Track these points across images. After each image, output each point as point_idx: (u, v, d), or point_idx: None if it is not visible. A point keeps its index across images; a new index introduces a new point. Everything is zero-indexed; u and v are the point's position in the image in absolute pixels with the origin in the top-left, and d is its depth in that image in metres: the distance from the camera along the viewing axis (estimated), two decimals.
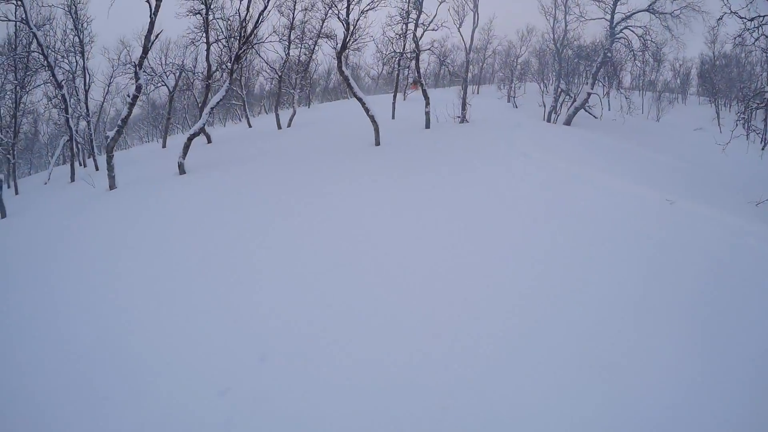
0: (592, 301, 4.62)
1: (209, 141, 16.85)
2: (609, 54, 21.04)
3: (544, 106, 23.44)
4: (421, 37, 15.90)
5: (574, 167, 9.27)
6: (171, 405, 3.81)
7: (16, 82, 20.36)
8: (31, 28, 16.21)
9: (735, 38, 10.63)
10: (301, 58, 22.41)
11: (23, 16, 16.11)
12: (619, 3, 20.54)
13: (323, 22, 19.74)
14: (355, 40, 15.80)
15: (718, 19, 10.26)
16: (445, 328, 4.34)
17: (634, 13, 20.59)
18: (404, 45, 17.46)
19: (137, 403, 3.87)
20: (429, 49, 18.46)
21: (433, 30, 16.38)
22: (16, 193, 19.06)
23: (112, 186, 11.39)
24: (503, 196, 7.43)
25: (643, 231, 6.05)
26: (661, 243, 5.72)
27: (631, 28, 20.79)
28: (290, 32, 20.15)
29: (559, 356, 3.91)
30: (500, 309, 4.55)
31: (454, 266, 5.41)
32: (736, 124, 10.53)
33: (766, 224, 7.26)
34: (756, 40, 10.09)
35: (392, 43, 18.52)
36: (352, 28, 12.72)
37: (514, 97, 30.14)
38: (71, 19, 20.08)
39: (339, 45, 13.11)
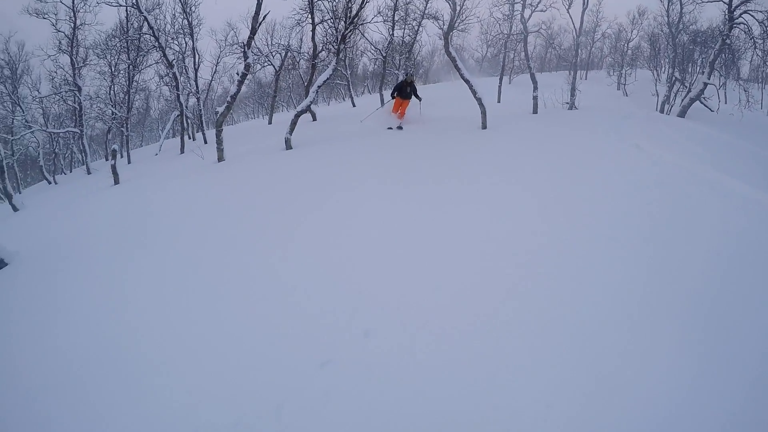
0: (713, 319, 4.09)
1: (314, 119, 17.10)
2: (728, 41, 19.39)
3: (657, 96, 22.01)
4: (528, 19, 15.33)
5: (689, 164, 8.50)
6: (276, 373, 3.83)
7: (129, 62, 21.71)
8: (142, 12, 17.16)
9: None
10: (405, 39, 22.26)
11: (134, 1, 17.05)
12: None
13: (427, 2, 19.52)
14: (462, 20, 15.43)
15: None
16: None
17: None
18: (511, 27, 17.00)
19: (245, 366, 3.94)
20: (537, 31, 17.80)
21: (541, 11, 15.77)
22: (129, 162, 20.32)
23: (220, 158, 11.75)
24: (614, 190, 6.88)
25: (761, 240, 5.41)
26: None
27: (751, 12, 19.05)
28: (394, 13, 20.07)
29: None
30: (613, 320, 4.13)
31: (560, 263, 4.98)
32: None
33: None
34: None
35: (499, 25, 18.08)
36: (459, 7, 12.38)
37: (624, 85, 28.58)
38: (180, 3, 21.08)
39: (446, 25, 12.82)
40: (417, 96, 13.31)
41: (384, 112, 14.50)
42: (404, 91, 13.20)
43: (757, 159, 11.89)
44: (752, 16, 18.93)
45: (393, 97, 13.63)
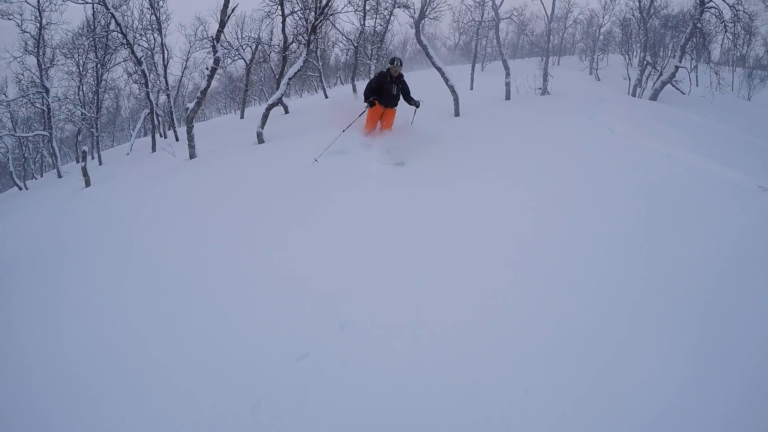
0: (686, 297, 4.13)
1: (286, 111, 16.90)
2: (699, 24, 19.57)
3: (629, 80, 22.18)
4: (500, 5, 15.30)
5: (662, 146, 8.59)
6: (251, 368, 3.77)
7: (96, 60, 21.34)
8: (109, 9, 16.80)
9: None
10: (376, 29, 22.00)
11: None
12: None
13: None
14: (433, 8, 15.34)
15: None
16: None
17: None
18: (482, 13, 16.98)
19: (221, 364, 3.86)
20: (509, 18, 17.78)
21: None
22: (100, 163, 19.95)
23: (192, 155, 11.56)
24: (588, 175, 6.85)
25: (734, 218, 5.42)
26: (754, 233, 5.08)
27: None
28: (365, 2, 19.85)
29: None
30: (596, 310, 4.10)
31: (542, 255, 4.91)
32: None
33: None
34: None
35: (470, 12, 18.06)
36: None
37: (596, 69, 28.79)
38: None
39: (417, 14, 12.73)
40: (410, 99, 9.09)
41: (355, 130, 8.83)
42: (388, 93, 8.71)
43: (727, 139, 12.06)
44: (723, 0, 19.12)
45: (371, 104, 8.72)
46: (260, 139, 11.42)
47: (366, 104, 8.76)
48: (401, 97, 8.99)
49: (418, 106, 9.18)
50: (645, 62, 21.47)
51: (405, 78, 9.02)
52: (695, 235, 5.06)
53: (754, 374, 3.39)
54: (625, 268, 4.55)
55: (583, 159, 7.48)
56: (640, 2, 21.93)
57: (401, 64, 8.88)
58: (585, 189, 6.31)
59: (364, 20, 20.20)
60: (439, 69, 11.93)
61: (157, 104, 21.44)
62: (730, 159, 8.88)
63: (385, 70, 8.86)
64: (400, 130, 9.15)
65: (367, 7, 20.08)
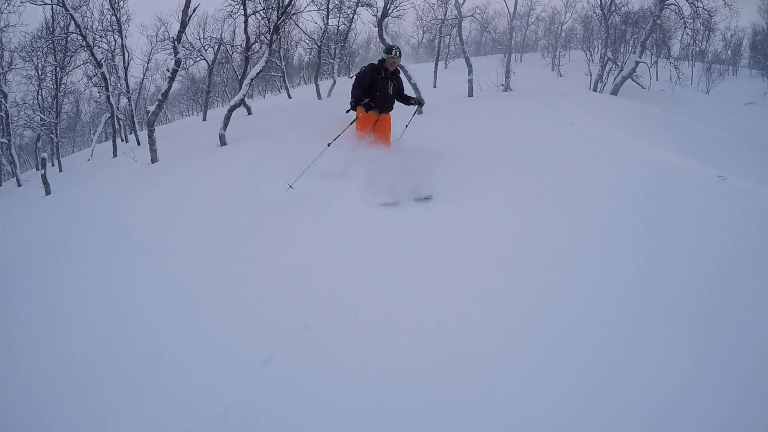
0: (672, 292, 4.10)
1: (249, 113, 16.74)
2: (659, 21, 20.08)
3: (590, 75, 22.66)
4: (463, 3, 15.41)
5: (622, 138, 8.78)
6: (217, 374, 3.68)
7: (55, 63, 20.87)
8: (68, 10, 16.45)
9: None
10: (339, 28, 21.99)
11: None
12: None
13: None
14: (396, 6, 15.38)
15: None
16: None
17: None
18: (445, 12, 17.08)
19: (185, 370, 3.77)
20: (471, 16, 17.92)
21: None
22: (60, 170, 19.47)
23: (153, 159, 11.38)
24: (548, 168, 6.89)
25: (693, 207, 5.52)
26: (714, 221, 5.14)
27: None
28: (328, 1, 19.80)
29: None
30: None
31: (501, 244, 4.87)
32: None
33: None
34: None
35: (433, 10, 18.18)
36: None
37: (558, 65, 29.40)
38: None
39: (380, 12, 12.75)
40: (407, 99, 7.08)
41: (345, 141, 6.51)
42: (383, 93, 6.56)
43: (685, 130, 12.40)
44: None
45: (367, 107, 6.45)
46: (223, 141, 11.26)
47: (354, 108, 6.59)
48: (396, 98, 6.90)
49: (422, 104, 7.30)
50: (606, 58, 21.93)
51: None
52: (671, 228, 5.07)
53: (752, 372, 3.39)
54: (607, 263, 4.53)
55: (542, 155, 7.50)
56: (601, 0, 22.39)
57: (401, 55, 6.68)
58: (552, 186, 6.33)
59: (328, 19, 20.16)
60: (401, 67, 11.93)
61: (117, 108, 21.06)
62: (688, 149, 9.09)
63: (377, 63, 6.58)
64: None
65: (330, 6, 20.05)
